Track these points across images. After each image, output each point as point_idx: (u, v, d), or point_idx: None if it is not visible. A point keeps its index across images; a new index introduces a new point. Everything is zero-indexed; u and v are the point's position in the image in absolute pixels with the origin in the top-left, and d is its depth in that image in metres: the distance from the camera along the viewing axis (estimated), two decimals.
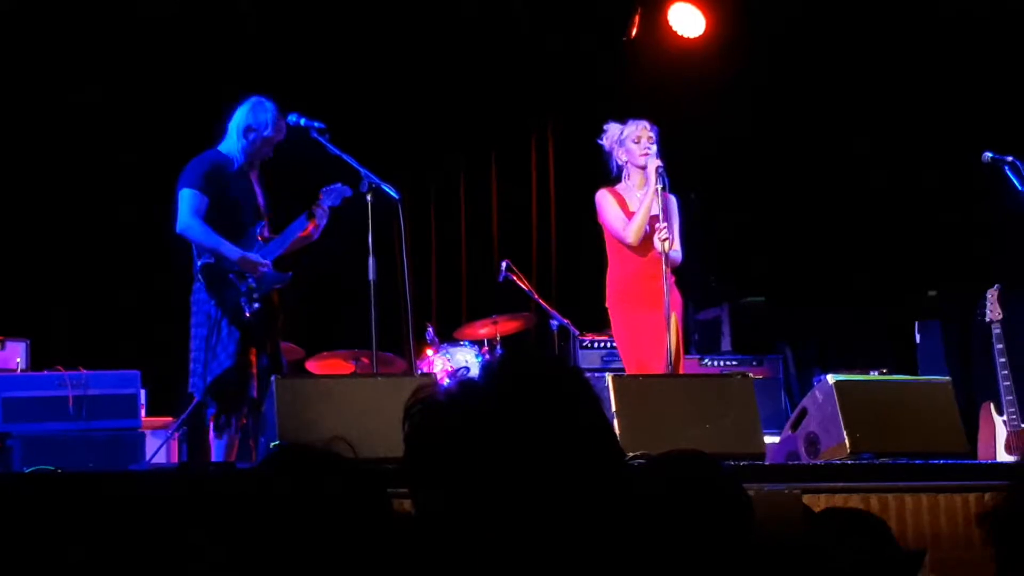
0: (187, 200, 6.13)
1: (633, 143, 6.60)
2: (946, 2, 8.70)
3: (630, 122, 6.65)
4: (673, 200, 6.67)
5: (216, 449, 6.06)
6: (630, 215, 6.54)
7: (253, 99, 6.32)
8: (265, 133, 6.26)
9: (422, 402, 1.51)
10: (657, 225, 6.43)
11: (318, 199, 6.40)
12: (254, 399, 6.03)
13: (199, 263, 6.14)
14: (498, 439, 1.44)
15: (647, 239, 6.51)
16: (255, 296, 6.11)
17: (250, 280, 6.12)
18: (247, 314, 6.08)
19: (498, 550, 1.41)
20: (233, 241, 6.15)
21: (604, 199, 6.66)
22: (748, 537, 2.25)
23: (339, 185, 6.43)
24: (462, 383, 1.52)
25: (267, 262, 6.20)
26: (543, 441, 1.44)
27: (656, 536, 2.10)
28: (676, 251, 6.59)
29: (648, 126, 6.60)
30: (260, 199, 6.35)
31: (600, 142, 6.75)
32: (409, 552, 1.51)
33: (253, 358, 6.10)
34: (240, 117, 6.28)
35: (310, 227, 6.37)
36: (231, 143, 6.27)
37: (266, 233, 6.33)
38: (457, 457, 1.45)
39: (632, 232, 6.50)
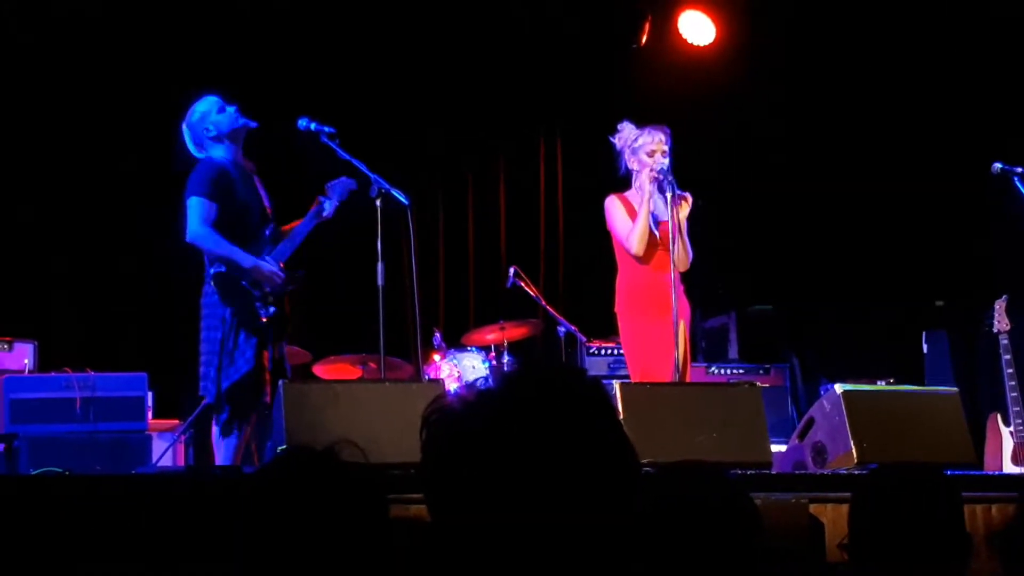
0: (196, 208, 6.04)
1: (646, 155, 6.48)
2: (956, 12, 8.70)
3: (646, 130, 6.51)
4: (688, 198, 6.49)
5: (224, 452, 6.04)
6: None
7: (185, 116, 6.24)
8: (215, 118, 6.15)
9: (440, 410, 1.51)
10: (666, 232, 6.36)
11: (324, 194, 6.33)
12: (267, 404, 5.99)
13: (211, 271, 6.06)
14: (515, 447, 1.44)
15: (652, 246, 6.48)
16: (270, 300, 6.08)
17: (264, 285, 6.09)
18: (263, 319, 6.05)
19: (512, 558, 1.41)
20: (243, 245, 6.08)
21: (613, 205, 6.59)
22: (756, 547, 2.25)
23: (344, 179, 6.32)
24: (479, 391, 1.52)
25: (279, 271, 6.15)
26: (560, 450, 1.44)
27: (665, 546, 2.10)
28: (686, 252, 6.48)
29: (663, 139, 6.46)
30: (266, 201, 6.31)
31: (612, 140, 6.62)
32: (420, 558, 1.51)
33: (267, 362, 6.08)
34: (190, 130, 6.20)
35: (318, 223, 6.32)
36: (215, 150, 6.20)
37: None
38: (473, 465, 1.45)
39: (635, 241, 6.44)
